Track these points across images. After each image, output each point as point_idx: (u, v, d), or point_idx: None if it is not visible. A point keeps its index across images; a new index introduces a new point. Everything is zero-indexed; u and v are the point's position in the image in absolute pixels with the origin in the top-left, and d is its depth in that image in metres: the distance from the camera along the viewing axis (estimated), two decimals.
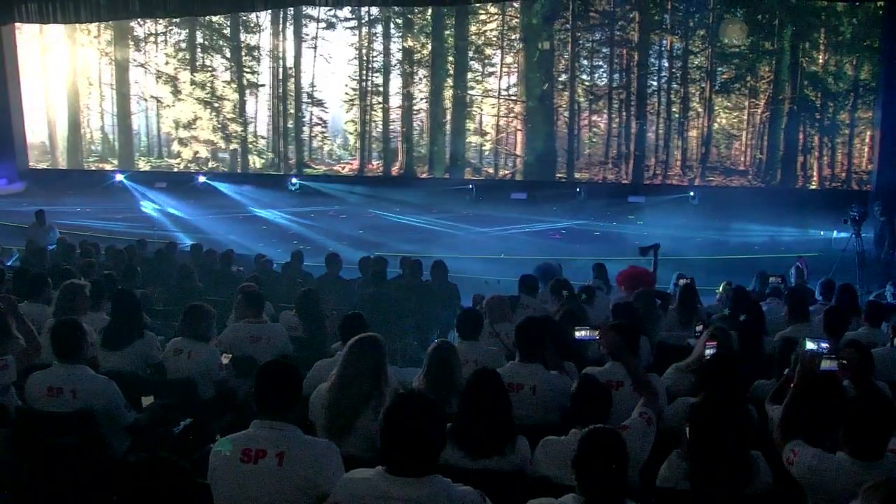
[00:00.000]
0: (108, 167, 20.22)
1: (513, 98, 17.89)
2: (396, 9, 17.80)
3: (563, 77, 17.47)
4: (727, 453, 3.02)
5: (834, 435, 3.09)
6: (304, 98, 19.05)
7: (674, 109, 17.09)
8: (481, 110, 18.19)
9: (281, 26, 18.97)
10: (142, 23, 19.46)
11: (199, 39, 19.67)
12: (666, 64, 17.22)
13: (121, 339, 4.97)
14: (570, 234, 15.02)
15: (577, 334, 4.39)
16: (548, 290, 7.21)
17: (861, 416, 2.96)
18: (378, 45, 18.57)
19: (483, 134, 18.25)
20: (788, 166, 16.41)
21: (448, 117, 18.23)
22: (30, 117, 20.16)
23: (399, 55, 18.43)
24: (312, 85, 18.98)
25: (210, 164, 19.73)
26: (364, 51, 18.58)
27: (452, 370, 4.07)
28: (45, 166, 20.65)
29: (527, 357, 4.27)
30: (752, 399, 4.11)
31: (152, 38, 19.97)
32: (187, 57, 19.71)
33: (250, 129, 19.59)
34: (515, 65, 17.82)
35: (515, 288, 7.33)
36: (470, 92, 18.04)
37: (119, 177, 19.19)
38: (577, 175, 17.60)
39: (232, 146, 19.63)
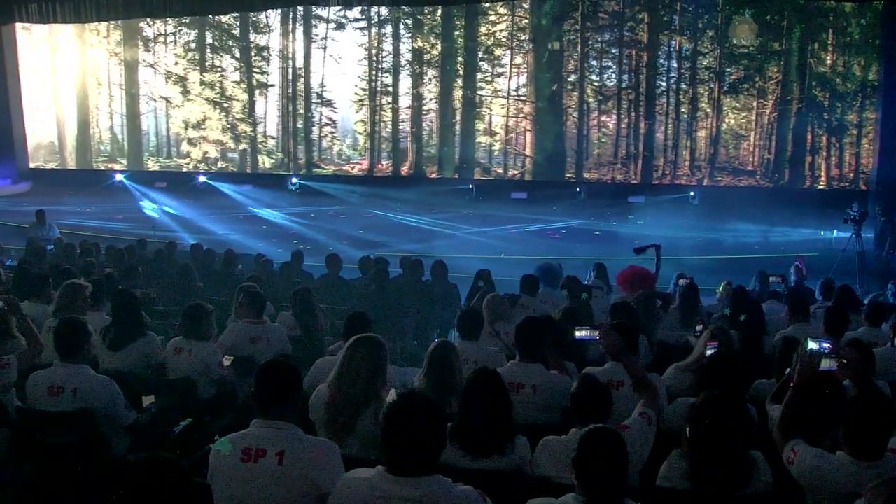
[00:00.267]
0: (116, 167, 20.78)
1: (522, 98, 18.42)
2: (406, 9, 18.34)
3: (573, 77, 17.99)
4: (727, 453, 3.06)
5: (834, 435, 3.17)
6: (314, 98, 19.60)
7: (682, 110, 17.60)
8: (491, 111, 18.72)
9: (290, 27, 19.49)
10: (151, 23, 20.00)
11: (209, 40, 20.21)
12: (675, 64, 17.72)
13: (122, 339, 5.05)
14: (570, 233, 15.30)
15: (578, 334, 4.40)
16: (559, 289, 7.48)
17: (861, 416, 3.01)
18: (388, 46, 19.09)
19: (492, 134, 18.78)
20: (796, 166, 16.91)
21: (457, 117, 18.75)
22: (38, 117, 20.76)
23: (409, 56, 18.97)
24: (322, 85, 19.52)
25: (219, 164, 20.29)
26: (374, 51, 19.10)
27: (452, 370, 4.12)
28: (53, 166, 21.23)
29: (527, 357, 4.34)
30: (752, 399, 4.17)
31: (162, 39, 20.51)
32: (197, 57, 20.23)
33: (260, 129, 20.13)
34: (525, 65, 18.34)
35: (514, 285, 7.49)
36: (479, 92, 18.56)
37: (119, 177, 19.69)
38: (585, 175, 18.13)
39: (241, 146, 20.19)
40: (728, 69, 17.28)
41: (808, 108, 16.70)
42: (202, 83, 20.09)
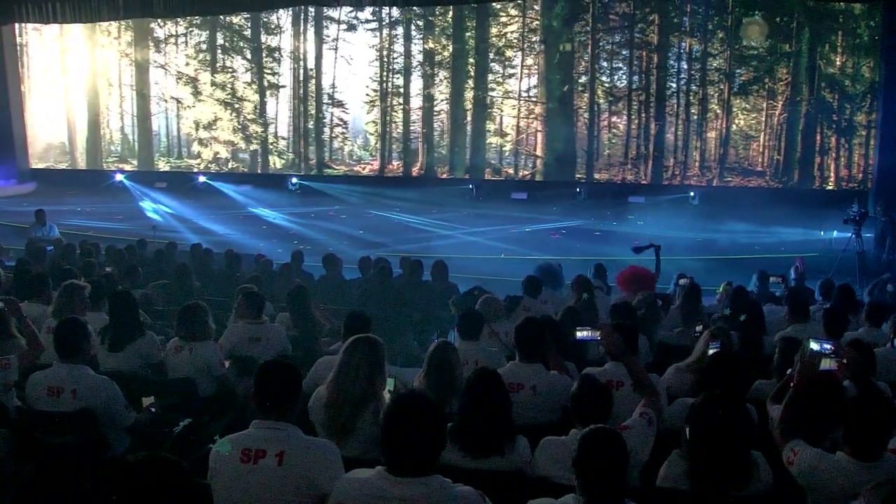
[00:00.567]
0: (127, 167, 21.40)
1: (533, 99, 19.06)
2: (418, 11, 18.98)
3: (583, 79, 18.63)
4: (727, 453, 3.11)
5: (834, 435, 3.26)
6: (325, 99, 20.25)
7: (692, 111, 18.25)
8: (501, 111, 19.37)
9: (302, 28, 20.13)
10: (162, 24, 20.66)
11: (220, 41, 20.87)
12: (685, 66, 18.38)
13: (121, 339, 5.11)
14: (571, 233, 15.51)
15: (579, 334, 4.47)
16: (561, 289, 7.69)
17: (861, 416, 3.06)
18: (399, 47, 19.73)
19: (503, 135, 19.43)
20: (805, 167, 17.55)
21: (468, 118, 19.39)
22: (49, 118, 21.43)
23: (420, 57, 19.62)
24: (333, 86, 20.18)
25: (230, 165, 20.93)
26: (385, 52, 19.73)
27: (452, 370, 4.17)
28: (64, 166, 21.87)
29: (527, 357, 4.39)
30: (753, 399, 4.21)
31: (172, 40, 21.15)
32: (208, 58, 20.88)
33: (271, 129, 20.78)
34: (536, 66, 18.98)
35: (515, 286, 7.56)
36: (490, 93, 19.21)
37: (119, 177, 20.24)
38: (596, 175, 18.76)
39: (252, 147, 20.84)
40: (738, 70, 17.92)
41: (818, 109, 17.33)
42: (213, 84, 20.72)
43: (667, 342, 6.22)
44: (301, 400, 3.23)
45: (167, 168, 21.36)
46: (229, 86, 20.74)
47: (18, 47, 21.35)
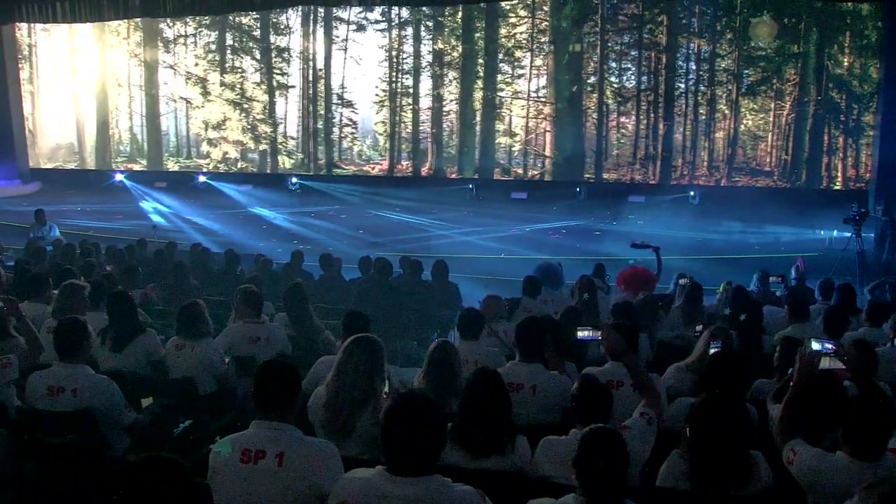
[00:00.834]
0: (136, 167, 21.93)
1: (542, 100, 19.57)
2: (427, 12, 19.51)
3: (592, 79, 19.14)
4: (727, 453, 3.17)
5: (834, 435, 3.30)
6: (334, 99, 20.76)
7: (701, 111, 18.78)
8: (510, 112, 19.87)
9: (311, 28, 20.60)
10: (171, 25, 21.17)
11: (229, 41, 21.36)
12: (693, 66, 18.90)
13: (121, 339, 5.23)
14: (571, 233, 15.82)
15: (580, 334, 4.56)
16: (561, 289, 7.86)
17: (861, 416, 3.13)
18: (408, 48, 20.22)
19: (512, 135, 19.94)
20: (813, 167, 18.04)
21: (478, 118, 19.89)
22: (57, 118, 21.98)
23: (429, 57, 20.12)
24: (342, 86, 20.67)
25: (239, 165, 21.43)
26: (394, 53, 20.22)
27: (453, 370, 4.25)
28: (73, 166, 22.36)
29: (527, 357, 4.48)
30: (753, 399, 4.31)
31: (182, 40, 21.63)
32: (217, 58, 21.37)
33: (280, 129, 21.29)
34: (545, 67, 19.49)
35: (515, 286, 7.69)
36: (499, 94, 19.70)
37: (119, 176, 20.73)
38: (605, 175, 19.30)
39: (261, 147, 21.35)
40: (746, 71, 18.41)
41: (825, 109, 17.83)
42: (222, 84, 21.21)
43: (668, 342, 6.33)
44: (300, 400, 3.29)
45: (177, 168, 21.85)
46: (238, 86, 21.22)
47: (28, 48, 22.00)
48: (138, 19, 20.12)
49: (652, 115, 19.04)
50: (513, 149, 20.09)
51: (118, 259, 9.37)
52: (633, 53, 19.16)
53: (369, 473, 2.70)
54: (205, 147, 21.64)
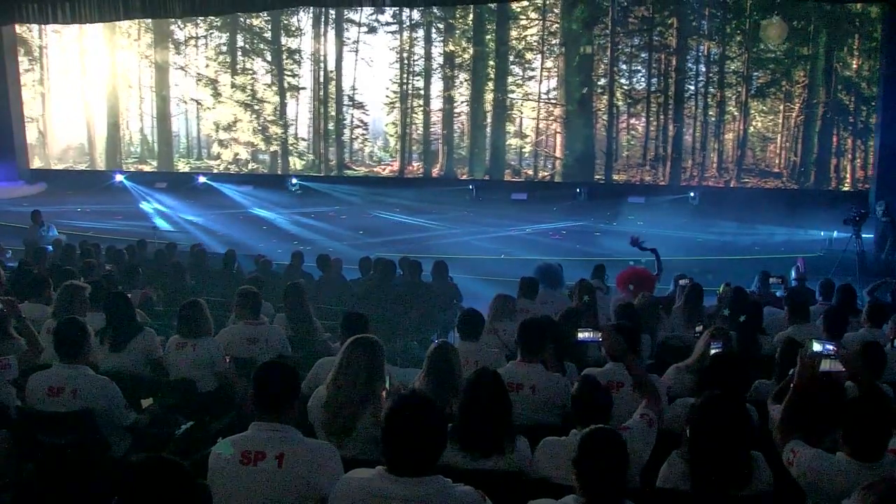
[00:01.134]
0: (146, 168, 22.53)
1: (552, 101, 20.13)
2: (438, 14, 20.06)
3: (603, 81, 19.69)
4: (727, 454, 3.22)
5: (834, 435, 3.35)
6: (345, 101, 21.32)
7: (710, 113, 19.31)
8: (521, 113, 20.41)
9: (322, 30, 21.15)
10: (182, 26, 21.72)
11: (240, 43, 21.91)
12: (703, 68, 19.43)
13: (121, 339, 5.30)
14: (571, 233, 16.16)
15: (580, 335, 4.60)
16: (561, 290, 7.99)
17: (861, 417, 3.17)
18: (419, 49, 20.77)
19: (523, 136, 20.50)
20: (822, 168, 18.59)
21: (488, 120, 20.44)
22: (68, 119, 22.57)
23: (440, 59, 20.67)
24: (353, 88, 21.23)
25: (250, 166, 22.00)
26: (405, 55, 20.78)
27: (453, 370, 4.34)
28: (83, 167, 22.93)
29: (527, 357, 4.55)
30: (753, 399, 4.39)
31: (192, 42, 22.17)
32: (228, 60, 21.90)
33: (291, 131, 21.86)
34: (555, 69, 20.04)
35: (514, 286, 7.76)
36: (510, 95, 20.24)
37: (119, 177, 21.27)
38: (615, 177, 19.89)
39: (272, 148, 21.93)
40: (755, 73, 18.93)
41: (834, 111, 18.35)
42: (233, 85, 21.75)
43: (669, 342, 6.42)
44: (300, 401, 3.34)
45: (188, 168, 22.39)
46: (249, 87, 21.76)
47: (38, 49, 22.59)
48: (149, 21, 20.69)
49: (662, 117, 19.59)
50: (523, 150, 20.65)
51: (118, 260, 9.58)
52: (643, 56, 19.70)
53: (369, 474, 2.74)
54: (215, 148, 22.19)
